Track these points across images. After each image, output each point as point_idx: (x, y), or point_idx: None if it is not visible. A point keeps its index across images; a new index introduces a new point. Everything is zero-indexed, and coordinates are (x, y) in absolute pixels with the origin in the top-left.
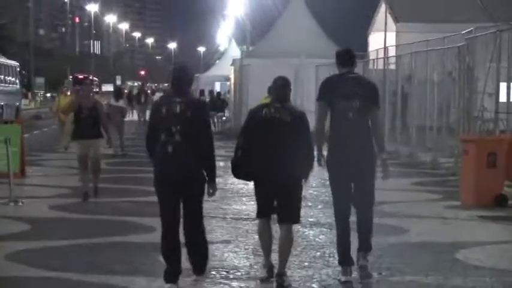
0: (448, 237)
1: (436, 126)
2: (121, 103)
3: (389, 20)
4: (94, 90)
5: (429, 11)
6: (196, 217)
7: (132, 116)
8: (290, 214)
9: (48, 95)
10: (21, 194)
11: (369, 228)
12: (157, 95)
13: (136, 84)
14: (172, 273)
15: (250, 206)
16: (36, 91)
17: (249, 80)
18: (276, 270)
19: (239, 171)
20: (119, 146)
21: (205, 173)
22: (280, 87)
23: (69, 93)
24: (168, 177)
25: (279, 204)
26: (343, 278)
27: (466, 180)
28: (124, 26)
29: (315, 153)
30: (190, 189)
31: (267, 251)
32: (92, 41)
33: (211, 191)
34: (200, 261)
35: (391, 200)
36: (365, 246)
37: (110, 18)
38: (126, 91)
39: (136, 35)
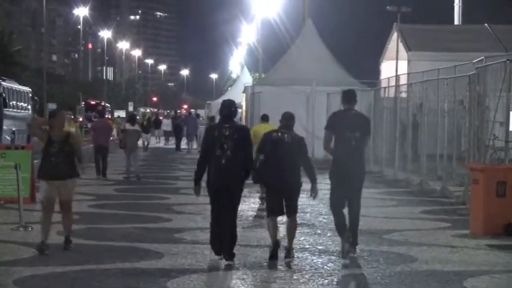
0: (457, 266)
1: (446, 155)
2: (136, 127)
3: (401, 48)
4: (107, 116)
5: (440, 40)
6: (234, 211)
7: (145, 143)
8: (293, 209)
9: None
10: (30, 219)
11: (357, 226)
12: (165, 122)
13: (148, 110)
14: (217, 251)
15: (259, 233)
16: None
17: (260, 107)
18: (284, 246)
19: (258, 178)
20: (133, 171)
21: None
22: (287, 120)
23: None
24: (220, 181)
25: (286, 202)
26: (346, 246)
27: (475, 209)
28: (137, 53)
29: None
30: (234, 190)
31: (274, 237)
32: (104, 67)
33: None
34: (230, 247)
35: (400, 228)
36: (354, 241)
37: (123, 45)
38: (138, 117)
39: (149, 61)
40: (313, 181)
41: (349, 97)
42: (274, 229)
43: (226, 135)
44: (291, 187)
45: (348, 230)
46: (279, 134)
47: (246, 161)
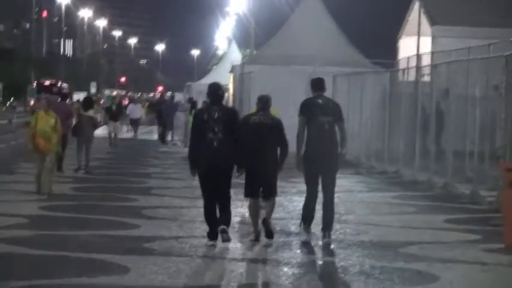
0: (488, 286)
1: (477, 152)
2: (91, 113)
3: (424, 22)
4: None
5: (472, 12)
6: (227, 190)
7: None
8: (272, 190)
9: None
10: None
11: (332, 210)
12: (132, 108)
13: (115, 93)
14: (213, 233)
15: (239, 244)
16: None
17: (251, 90)
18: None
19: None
20: (83, 162)
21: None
22: (265, 103)
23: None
24: (214, 162)
25: (263, 183)
26: (303, 238)
27: (511, 218)
28: (102, 23)
29: (297, 153)
30: (226, 171)
31: (256, 222)
32: (62, 40)
33: (238, 173)
34: (225, 224)
35: (420, 240)
36: (329, 226)
37: (85, 13)
38: (102, 101)
39: (117, 33)
40: (281, 163)
41: (317, 85)
42: (256, 212)
43: (215, 118)
44: (269, 169)
45: (322, 222)
46: (258, 117)
47: (235, 142)
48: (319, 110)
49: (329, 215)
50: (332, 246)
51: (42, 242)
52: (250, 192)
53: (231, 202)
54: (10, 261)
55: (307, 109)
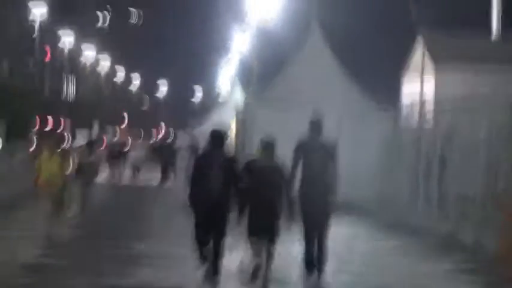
0: None
1: (481, 198)
2: (93, 158)
3: (427, 60)
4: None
5: (475, 49)
6: (224, 236)
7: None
8: (275, 234)
9: None
10: None
11: (323, 252)
12: (132, 156)
13: (116, 138)
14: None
15: None
16: None
17: (253, 132)
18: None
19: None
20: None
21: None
22: (267, 147)
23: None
24: (212, 208)
25: (266, 227)
26: (308, 277)
27: None
28: (105, 64)
29: (290, 187)
30: (224, 217)
31: (257, 256)
32: (65, 81)
33: (238, 222)
34: (217, 264)
35: None
36: (322, 270)
37: (89, 55)
38: (105, 144)
39: (120, 74)
40: (291, 204)
41: (315, 127)
42: (258, 247)
43: (216, 164)
44: (272, 214)
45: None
46: (261, 161)
47: (234, 187)
48: (313, 151)
49: (321, 257)
50: None
51: None
52: (252, 232)
53: (232, 249)
54: None
55: (302, 149)
